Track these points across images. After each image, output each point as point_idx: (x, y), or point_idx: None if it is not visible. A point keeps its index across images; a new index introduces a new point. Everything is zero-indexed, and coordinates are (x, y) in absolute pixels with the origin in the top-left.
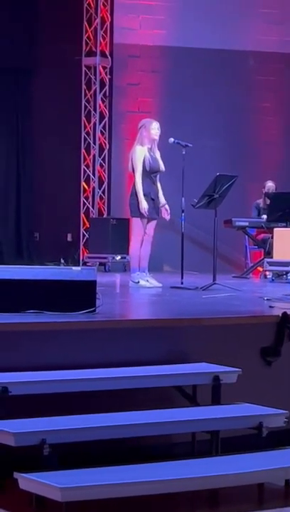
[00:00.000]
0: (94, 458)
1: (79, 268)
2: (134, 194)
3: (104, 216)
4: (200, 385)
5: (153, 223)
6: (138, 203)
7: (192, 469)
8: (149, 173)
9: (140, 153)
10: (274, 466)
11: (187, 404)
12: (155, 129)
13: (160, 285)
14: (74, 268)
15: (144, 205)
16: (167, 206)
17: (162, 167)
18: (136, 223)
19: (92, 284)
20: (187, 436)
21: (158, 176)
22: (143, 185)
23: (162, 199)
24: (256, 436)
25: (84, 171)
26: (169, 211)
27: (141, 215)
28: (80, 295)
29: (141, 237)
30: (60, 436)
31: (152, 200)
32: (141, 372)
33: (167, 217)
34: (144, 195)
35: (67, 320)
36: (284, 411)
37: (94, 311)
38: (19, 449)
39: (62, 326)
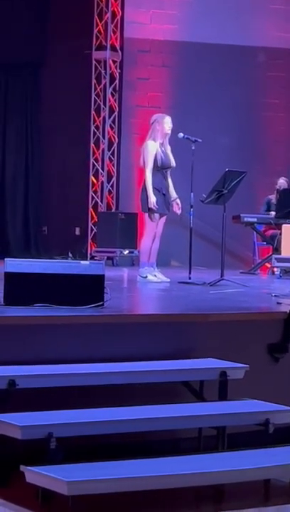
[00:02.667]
0: (101, 452)
1: (87, 262)
2: (145, 189)
3: (113, 210)
4: (207, 380)
5: (163, 219)
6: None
7: (198, 465)
8: (161, 168)
9: (152, 148)
10: (280, 462)
11: (193, 400)
12: (168, 123)
13: (168, 280)
14: (82, 262)
15: (153, 198)
16: (178, 200)
17: (173, 163)
18: (148, 218)
19: (100, 279)
20: (193, 431)
21: (169, 171)
22: (154, 180)
23: (173, 193)
24: (263, 433)
25: (93, 165)
26: (180, 205)
27: (151, 210)
28: (88, 289)
29: (154, 232)
30: (66, 429)
31: (163, 195)
32: (148, 367)
33: (178, 211)
34: (156, 189)
35: (75, 314)
36: None
37: (102, 305)
38: (26, 442)
39: (70, 320)
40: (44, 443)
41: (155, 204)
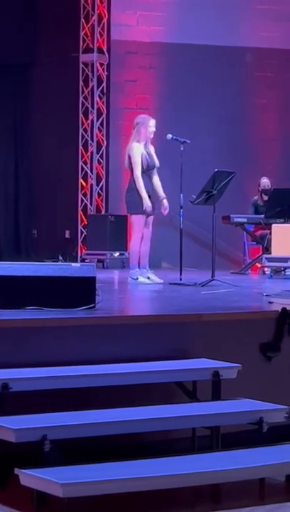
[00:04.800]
0: (95, 454)
1: (78, 264)
2: (131, 191)
3: (102, 213)
4: (200, 380)
5: (151, 219)
6: (138, 199)
7: (192, 465)
8: (146, 169)
9: (137, 150)
10: (275, 461)
11: (187, 400)
12: (152, 126)
13: (162, 281)
14: (73, 264)
15: (149, 202)
16: (165, 201)
17: (157, 162)
18: (135, 220)
19: (91, 281)
20: (187, 431)
21: (154, 171)
22: None
23: (161, 193)
24: (257, 432)
25: (82, 168)
26: (167, 206)
27: (140, 212)
28: (80, 291)
29: (142, 234)
30: (60, 432)
31: (149, 196)
32: (141, 368)
33: (165, 212)
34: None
35: (67, 316)
36: (284, 406)
37: (94, 307)
38: (20, 445)
39: (62, 323)
40: (38, 446)
41: (150, 208)
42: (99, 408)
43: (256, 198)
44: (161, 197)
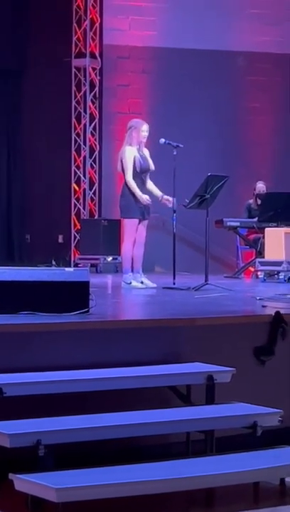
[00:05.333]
0: (90, 458)
1: (72, 269)
2: (125, 195)
3: (95, 217)
4: (194, 384)
5: (145, 223)
6: (132, 203)
7: (187, 469)
8: (140, 173)
9: (130, 154)
10: (269, 465)
11: (181, 404)
12: (145, 131)
13: (155, 286)
14: (67, 269)
15: (145, 197)
16: (166, 196)
17: (152, 166)
18: (128, 224)
19: (85, 285)
20: (181, 436)
21: (148, 175)
22: None
23: (158, 192)
24: (251, 436)
25: (75, 173)
26: (169, 198)
27: (133, 216)
28: (73, 296)
29: (134, 238)
30: (55, 436)
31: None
32: (135, 373)
33: (170, 204)
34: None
35: (60, 321)
36: (278, 410)
37: (88, 311)
38: (14, 450)
39: (55, 327)
40: (33, 450)
41: (148, 199)
42: (93, 413)
43: (250, 201)
44: (160, 195)
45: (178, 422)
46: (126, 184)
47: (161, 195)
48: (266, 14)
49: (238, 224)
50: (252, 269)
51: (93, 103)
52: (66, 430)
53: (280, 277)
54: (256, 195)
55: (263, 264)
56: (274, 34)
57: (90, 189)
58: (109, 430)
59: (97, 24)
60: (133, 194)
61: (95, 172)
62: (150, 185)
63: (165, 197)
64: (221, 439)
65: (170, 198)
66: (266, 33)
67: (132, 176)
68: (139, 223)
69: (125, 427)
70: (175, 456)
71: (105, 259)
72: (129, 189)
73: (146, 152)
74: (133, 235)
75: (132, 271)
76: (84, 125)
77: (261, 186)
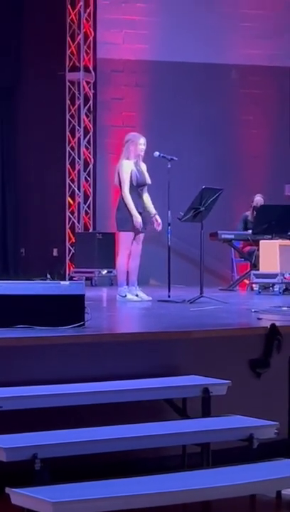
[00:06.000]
0: (86, 472)
1: (67, 282)
2: (121, 208)
3: (90, 230)
4: (190, 397)
5: (141, 237)
6: (127, 216)
7: (183, 482)
8: (136, 187)
9: (127, 167)
10: (265, 477)
11: (177, 417)
12: (142, 144)
13: (150, 299)
14: (62, 282)
15: (139, 219)
16: (157, 216)
17: (148, 180)
18: (123, 237)
19: (80, 299)
20: (177, 449)
21: (145, 189)
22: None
23: (152, 209)
24: (247, 448)
25: (70, 186)
26: (160, 221)
27: (128, 229)
28: (69, 309)
29: (129, 251)
30: (51, 450)
31: (139, 213)
32: (131, 386)
33: (158, 228)
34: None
35: (56, 334)
36: (274, 422)
37: (83, 325)
38: (11, 464)
39: (51, 341)
40: (29, 464)
41: (140, 224)
42: (89, 426)
43: (247, 213)
44: (153, 213)
45: (174, 435)
46: (122, 197)
47: (154, 213)
48: (258, 27)
49: (233, 236)
50: (247, 282)
51: (87, 116)
52: (62, 444)
53: (275, 289)
54: (254, 207)
55: (258, 276)
56: (266, 47)
57: (85, 202)
58: (105, 444)
59: (91, 38)
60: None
61: (89, 185)
62: (146, 200)
63: (157, 217)
64: (217, 451)
65: (159, 220)
66: (259, 46)
67: (129, 190)
68: (135, 236)
69: (121, 440)
70: (171, 469)
71: (100, 272)
72: (125, 202)
73: (143, 166)
74: (129, 248)
75: (127, 284)
76: (79, 138)
77: (259, 199)
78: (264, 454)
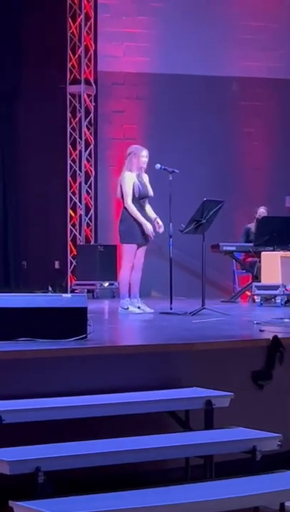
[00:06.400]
0: (89, 484)
1: (69, 295)
2: (124, 220)
3: (92, 243)
4: (193, 409)
5: (143, 249)
6: (131, 228)
7: (186, 494)
8: (138, 198)
9: (129, 180)
10: (269, 489)
11: (180, 430)
12: (144, 156)
13: (152, 311)
14: (64, 295)
15: (149, 225)
16: (159, 219)
17: (150, 192)
18: (126, 250)
19: (83, 311)
20: (181, 461)
21: (147, 201)
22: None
23: (152, 214)
24: (250, 460)
25: (71, 199)
26: (161, 224)
27: (132, 241)
28: (71, 322)
29: (132, 263)
30: (54, 463)
31: (141, 225)
32: (134, 398)
33: (160, 230)
34: (135, 220)
35: (58, 347)
36: (277, 434)
37: (86, 337)
38: (14, 477)
39: (53, 354)
40: (32, 477)
41: (152, 231)
42: (92, 439)
43: (249, 225)
44: (153, 217)
45: (177, 447)
46: (125, 209)
47: (155, 217)
48: (258, 40)
49: (234, 248)
50: (249, 294)
51: (88, 129)
52: (65, 457)
53: (277, 301)
54: (257, 219)
55: (259, 288)
56: (267, 59)
57: (86, 215)
58: (107, 456)
59: (92, 51)
60: (132, 219)
61: (91, 198)
62: (148, 210)
63: (158, 220)
64: (220, 464)
65: (161, 223)
66: (259, 58)
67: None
68: (138, 248)
69: (124, 453)
70: (174, 481)
71: (102, 284)
72: (129, 214)
73: (146, 178)
74: (132, 260)
75: (129, 296)
76: (80, 151)
77: (262, 211)
78: (267, 466)
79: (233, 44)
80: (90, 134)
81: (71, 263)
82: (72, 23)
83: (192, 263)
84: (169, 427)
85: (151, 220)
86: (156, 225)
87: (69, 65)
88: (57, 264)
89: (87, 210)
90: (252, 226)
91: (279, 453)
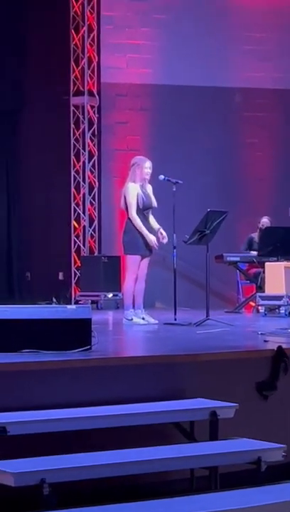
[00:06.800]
0: (94, 496)
1: (74, 306)
2: (128, 231)
3: (95, 254)
4: (198, 420)
5: (147, 260)
6: (135, 239)
7: (191, 506)
8: (142, 209)
9: (133, 190)
10: (274, 500)
11: (184, 441)
12: (147, 168)
13: (156, 322)
14: (68, 306)
15: (152, 237)
16: (162, 230)
17: (154, 203)
18: (130, 261)
19: (87, 322)
20: (185, 472)
21: (150, 212)
22: None
23: (155, 225)
24: (255, 471)
25: (75, 210)
26: (165, 235)
27: (136, 252)
28: (76, 333)
29: (136, 274)
30: (59, 475)
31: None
32: (138, 410)
33: (164, 240)
34: (138, 231)
35: (63, 358)
36: (282, 445)
37: (90, 348)
38: (19, 489)
39: (58, 365)
40: (37, 489)
41: (155, 242)
42: (97, 450)
43: (253, 235)
44: (157, 228)
45: (181, 458)
46: (129, 220)
47: (158, 227)
48: (261, 50)
49: (238, 259)
50: (253, 304)
51: (92, 140)
52: (70, 468)
53: (281, 311)
54: (260, 229)
55: (263, 298)
56: (269, 70)
57: (90, 226)
58: (112, 468)
59: (95, 62)
60: (136, 230)
61: (95, 209)
62: (151, 220)
63: (161, 230)
64: (225, 474)
65: (164, 233)
66: (262, 69)
67: (136, 213)
68: (142, 259)
69: (129, 464)
70: (179, 492)
71: (106, 295)
72: (133, 225)
73: (149, 189)
74: (136, 271)
75: (133, 307)
76: (83, 162)
77: (265, 221)
78: (272, 476)
79: (236, 55)
80: (94, 145)
81: (75, 274)
82: (75, 35)
83: (196, 274)
84: (174, 438)
85: (154, 231)
86: (159, 236)
87: (72, 77)
88: (61, 276)
89: (91, 221)
90: (256, 236)
91: (284, 464)
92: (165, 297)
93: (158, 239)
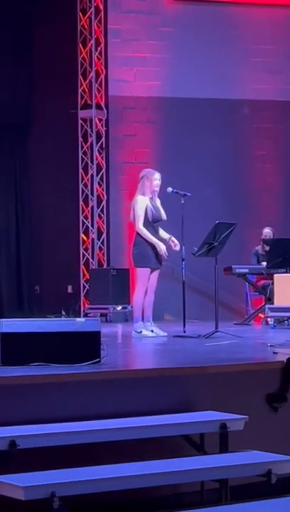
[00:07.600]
0: (104, 509)
1: (83, 319)
2: (138, 244)
3: (104, 267)
4: (208, 433)
5: (157, 273)
6: (145, 252)
7: None
8: (152, 222)
9: (142, 203)
10: None
11: (195, 453)
12: (157, 180)
13: (165, 334)
14: (78, 319)
15: (162, 246)
16: (173, 238)
17: (164, 216)
18: (140, 273)
19: (96, 335)
20: (196, 485)
21: (159, 224)
22: None
23: (165, 235)
24: (266, 484)
25: (83, 223)
26: (177, 242)
27: (145, 265)
28: (85, 346)
29: (145, 287)
30: (69, 488)
31: (155, 249)
32: (148, 422)
33: (176, 248)
34: (148, 244)
35: (72, 372)
36: None
37: (99, 361)
38: (29, 502)
39: (67, 378)
40: (47, 503)
41: (165, 252)
42: (106, 463)
43: (257, 247)
44: (168, 237)
45: (191, 471)
46: (138, 233)
47: (169, 236)
48: (269, 63)
49: (247, 271)
50: (262, 316)
51: (100, 153)
52: (80, 482)
53: None
54: (263, 240)
55: (273, 310)
56: (277, 82)
57: (98, 239)
58: (122, 481)
59: (102, 76)
60: (146, 242)
61: (103, 222)
62: (161, 232)
63: (173, 239)
64: (236, 487)
65: (176, 241)
66: (270, 81)
67: (144, 225)
68: (151, 272)
69: (139, 477)
70: (189, 505)
71: (115, 308)
72: (142, 238)
73: (158, 202)
74: (146, 284)
75: (142, 319)
76: (92, 175)
77: (267, 232)
78: (282, 489)
79: (243, 67)
80: (102, 158)
81: (84, 287)
82: (82, 49)
83: (205, 286)
84: (184, 451)
85: (164, 241)
86: (171, 244)
87: (80, 90)
88: (70, 289)
89: (100, 234)
90: (259, 248)
91: None
92: (174, 309)
93: (169, 247)
